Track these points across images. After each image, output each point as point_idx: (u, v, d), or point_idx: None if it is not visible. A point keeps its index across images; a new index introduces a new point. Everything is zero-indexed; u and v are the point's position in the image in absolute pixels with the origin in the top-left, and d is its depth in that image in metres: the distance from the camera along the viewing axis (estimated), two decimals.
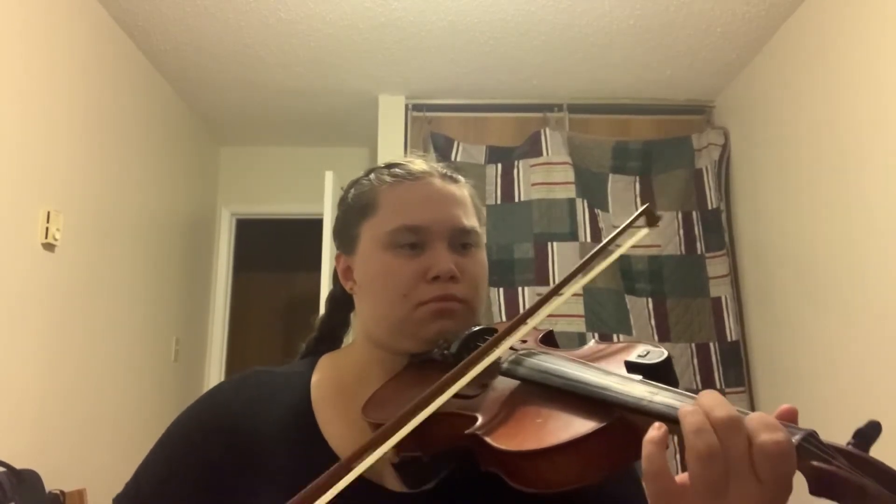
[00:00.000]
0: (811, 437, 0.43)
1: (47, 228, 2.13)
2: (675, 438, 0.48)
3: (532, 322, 0.63)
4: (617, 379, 0.54)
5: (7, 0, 1.99)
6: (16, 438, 1.99)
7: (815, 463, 0.41)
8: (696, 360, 2.87)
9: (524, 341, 0.69)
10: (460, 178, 0.81)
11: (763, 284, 2.80)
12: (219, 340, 3.70)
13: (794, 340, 2.54)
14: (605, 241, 0.68)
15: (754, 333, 2.88)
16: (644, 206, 0.70)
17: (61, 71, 2.27)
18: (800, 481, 0.43)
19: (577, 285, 0.65)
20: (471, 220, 0.77)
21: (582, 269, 0.65)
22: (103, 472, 2.37)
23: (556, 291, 0.64)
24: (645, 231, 0.69)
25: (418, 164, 0.80)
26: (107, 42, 2.57)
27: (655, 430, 0.47)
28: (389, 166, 0.80)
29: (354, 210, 0.79)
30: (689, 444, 0.44)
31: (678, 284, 2.94)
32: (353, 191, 0.81)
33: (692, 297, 2.93)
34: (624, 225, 0.69)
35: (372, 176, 0.80)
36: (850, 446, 0.43)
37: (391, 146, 3.08)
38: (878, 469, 0.41)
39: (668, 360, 0.57)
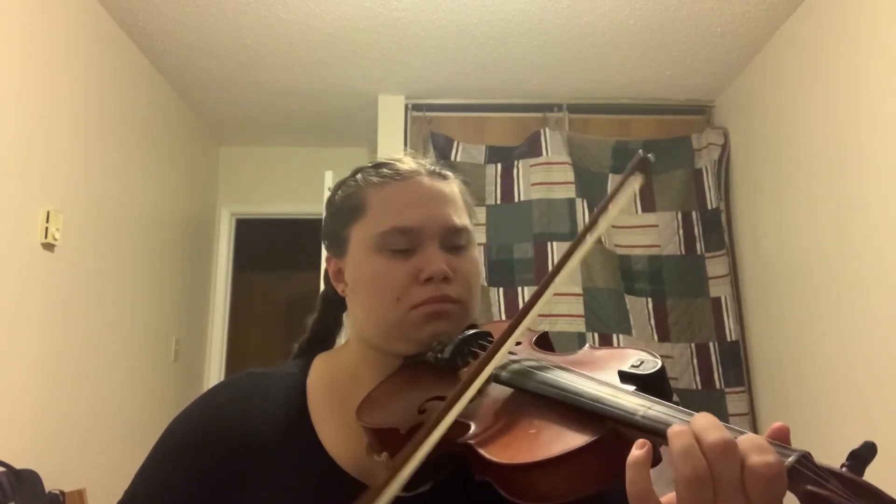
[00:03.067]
0: (804, 458, 0.42)
1: (47, 228, 2.13)
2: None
3: (539, 304, 0.61)
4: (610, 390, 0.53)
5: (7, 0, 2.00)
6: (16, 438, 1.99)
7: (808, 487, 0.41)
8: (695, 360, 2.87)
9: (518, 343, 0.68)
10: (449, 174, 0.79)
11: (763, 284, 2.80)
12: (219, 340, 3.70)
13: (794, 340, 2.54)
14: (608, 197, 0.64)
15: (754, 333, 2.88)
16: (638, 156, 0.65)
17: (61, 71, 2.26)
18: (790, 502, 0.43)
19: (587, 245, 0.62)
20: (462, 218, 0.75)
21: (590, 227, 0.63)
22: (103, 472, 2.37)
23: (567, 258, 0.61)
24: (641, 179, 0.65)
25: (406, 162, 0.78)
26: (107, 42, 2.57)
27: (638, 450, 0.46)
28: (376, 166, 0.78)
29: (343, 212, 0.77)
30: (677, 467, 0.43)
31: (678, 284, 2.94)
32: (340, 192, 0.79)
33: (692, 297, 2.93)
34: (622, 178, 0.65)
35: (359, 177, 0.78)
36: (844, 469, 0.42)
37: (391, 146, 3.08)
38: (872, 494, 0.40)
39: (661, 370, 0.56)
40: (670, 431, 0.45)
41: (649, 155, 0.64)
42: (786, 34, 2.60)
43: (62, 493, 2.05)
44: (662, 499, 0.46)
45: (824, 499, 0.40)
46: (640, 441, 0.46)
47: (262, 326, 5.02)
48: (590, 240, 0.63)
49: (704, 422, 0.45)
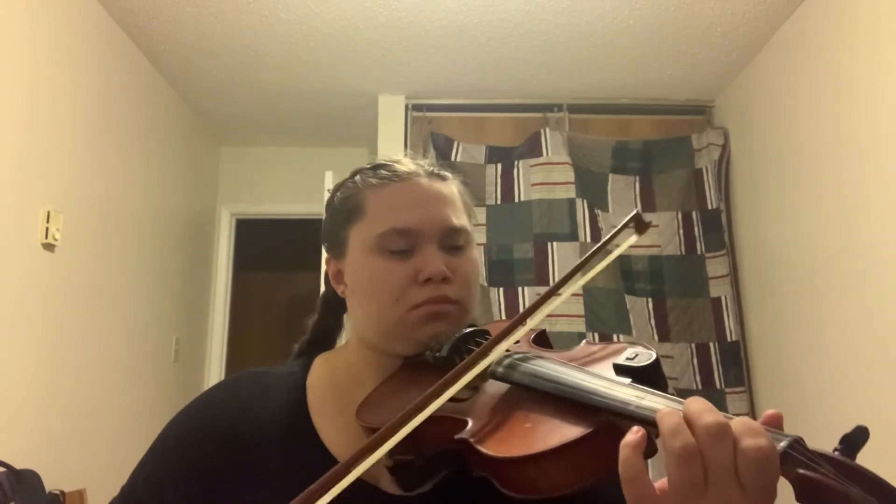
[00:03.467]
0: (797, 443, 0.43)
1: (47, 228, 2.13)
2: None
3: (523, 329, 0.62)
4: (605, 383, 0.53)
5: (8, 0, 2.00)
6: (16, 438, 1.99)
7: (800, 471, 0.41)
8: (696, 360, 2.87)
9: (517, 342, 0.69)
10: (448, 174, 0.79)
11: (763, 284, 2.80)
12: (219, 340, 3.70)
13: (794, 340, 2.54)
14: (594, 247, 0.67)
15: (754, 333, 2.88)
16: (633, 213, 0.69)
17: (61, 71, 2.26)
18: (785, 488, 0.43)
19: (570, 290, 0.65)
20: (460, 219, 0.75)
21: (572, 275, 0.65)
22: (103, 472, 2.37)
23: (545, 299, 0.63)
24: (634, 238, 0.68)
25: (404, 163, 0.78)
26: (107, 42, 2.57)
27: (633, 434, 0.46)
28: (375, 167, 0.78)
29: (341, 214, 0.77)
30: (667, 445, 0.44)
31: (678, 284, 2.94)
32: (339, 194, 0.80)
33: (692, 297, 2.94)
34: (612, 233, 0.69)
35: (357, 178, 0.78)
36: (836, 453, 0.42)
37: (391, 146, 3.08)
38: (864, 476, 0.40)
39: (656, 362, 0.56)
40: (659, 413, 0.46)
41: (650, 221, 0.66)
42: (786, 34, 2.60)
43: (62, 493, 2.05)
44: (655, 483, 0.47)
45: (816, 482, 0.40)
46: (634, 428, 0.47)
47: (262, 326, 5.03)
48: (570, 289, 0.65)
49: (698, 405, 0.45)
